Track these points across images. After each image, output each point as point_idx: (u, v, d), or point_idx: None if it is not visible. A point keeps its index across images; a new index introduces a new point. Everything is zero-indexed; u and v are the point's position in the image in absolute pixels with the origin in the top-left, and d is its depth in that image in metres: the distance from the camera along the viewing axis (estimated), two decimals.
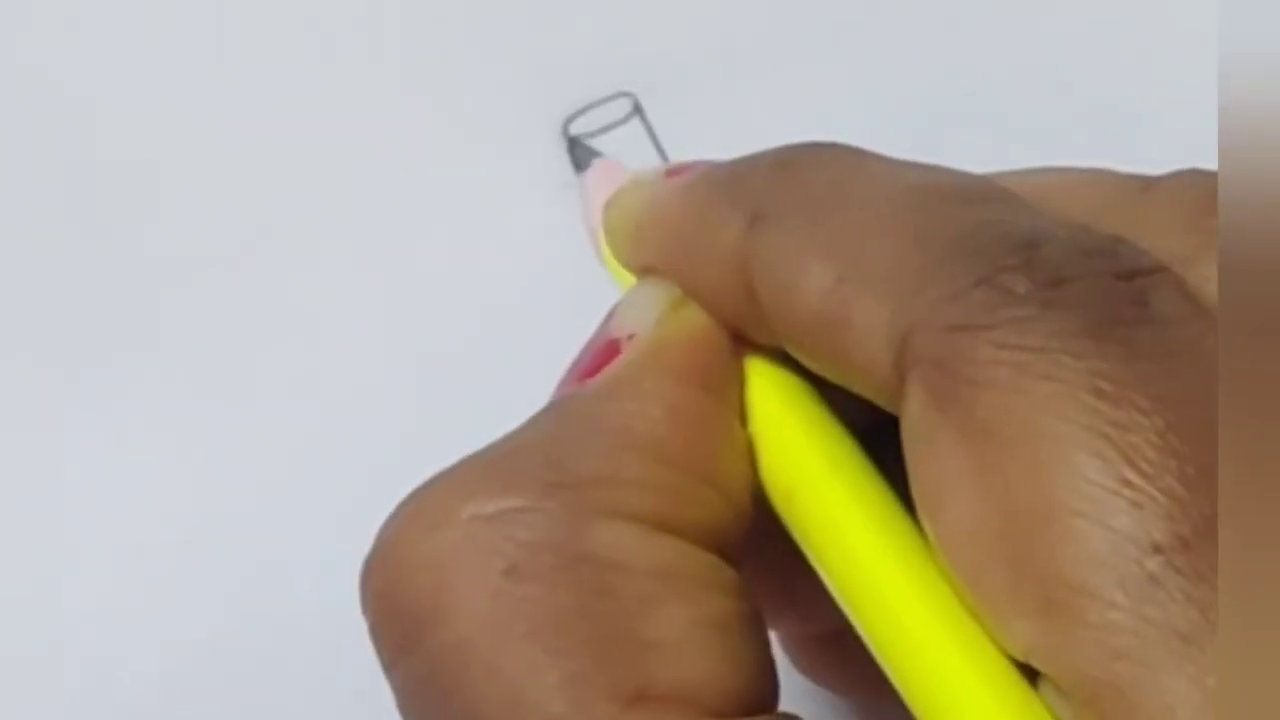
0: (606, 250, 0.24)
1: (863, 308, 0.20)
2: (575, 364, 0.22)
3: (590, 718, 0.19)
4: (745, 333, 0.22)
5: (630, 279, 0.24)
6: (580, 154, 0.26)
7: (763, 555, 0.21)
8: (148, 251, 0.36)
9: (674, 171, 0.24)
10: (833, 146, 0.22)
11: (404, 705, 0.21)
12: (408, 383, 0.35)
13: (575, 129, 0.36)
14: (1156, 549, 0.17)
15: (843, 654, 0.24)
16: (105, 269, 0.36)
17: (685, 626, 0.20)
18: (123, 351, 0.35)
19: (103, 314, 0.35)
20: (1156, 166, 0.23)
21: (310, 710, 0.33)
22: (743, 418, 0.22)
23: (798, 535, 0.21)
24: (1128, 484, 0.17)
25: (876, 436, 0.21)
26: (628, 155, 0.36)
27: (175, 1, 0.37)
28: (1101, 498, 0.17)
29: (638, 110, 0.36)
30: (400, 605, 0.20)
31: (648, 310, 0.22)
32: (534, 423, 0.22)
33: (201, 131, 0.37)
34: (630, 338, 0.22)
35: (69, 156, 0.37)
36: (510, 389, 0.35)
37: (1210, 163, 0.21)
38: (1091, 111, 0.37)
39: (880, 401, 0.20)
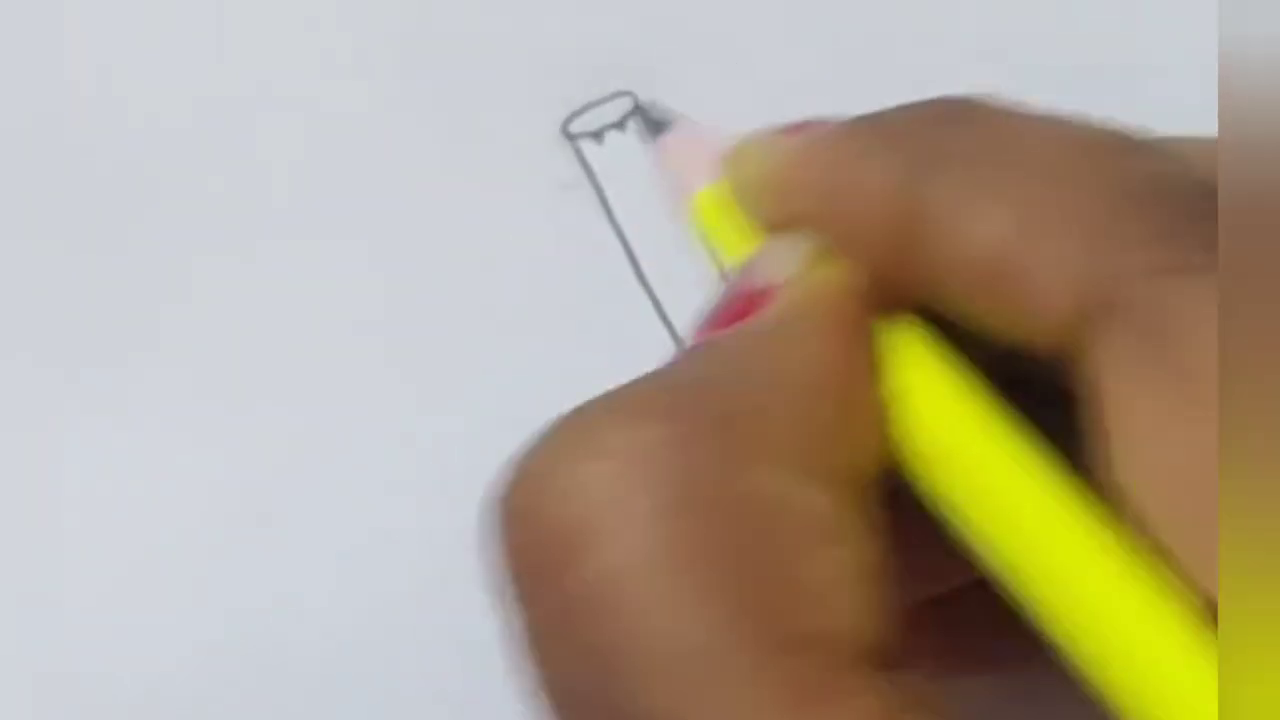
0: (706, 214, 0.24)
1: (1046, 253, 0.19)
2: (714, 310, 0.22)
3: (743, 657, 0.18)
4: (893, 283, 0.21)
5: (736, 240, 0.23)
6: (652, 121, 0.26)
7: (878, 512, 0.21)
8: (149, 251, 0.36)
9: (792, 129, 0.23)
10: (989, 98, 0.22)
11: (537, 639, 0.20)
12: (408, 382, 0.35)
13: (575, 129, 0.36)
14: None
15: (935, 623, 0.23)
16: (106, 268, 0.36)
17: (836, 570, 0.19)
18: (123, 352, 0.35)
19: (103, 314, 0.35)
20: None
21: (310, 711, 0.33)
22: (881, 373, 0.21)
23: (940, 493, 0.21)
24: None
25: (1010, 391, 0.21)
26: (627, 155, 0.36)
27: (177, 1, 0.37)
28: None
29: (638, 110, 0.36)
30: (547, 530, 0.19)
31: (793, 260, 0.22)
32: (686, 361, 0.21)
33: (202, 132, 0.37)
34: (776, 287, 0.22)
35: (69, 156, 0.36)
36: (511, 388, 0.35)
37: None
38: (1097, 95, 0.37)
39: (1048, 349, 0.19)
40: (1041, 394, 0.20)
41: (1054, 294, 0.19)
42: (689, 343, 0.22)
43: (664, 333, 0.35)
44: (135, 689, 0.33)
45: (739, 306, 0.22)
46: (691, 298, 0.36)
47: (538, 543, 0.20)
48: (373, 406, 0.35)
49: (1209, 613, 0.18)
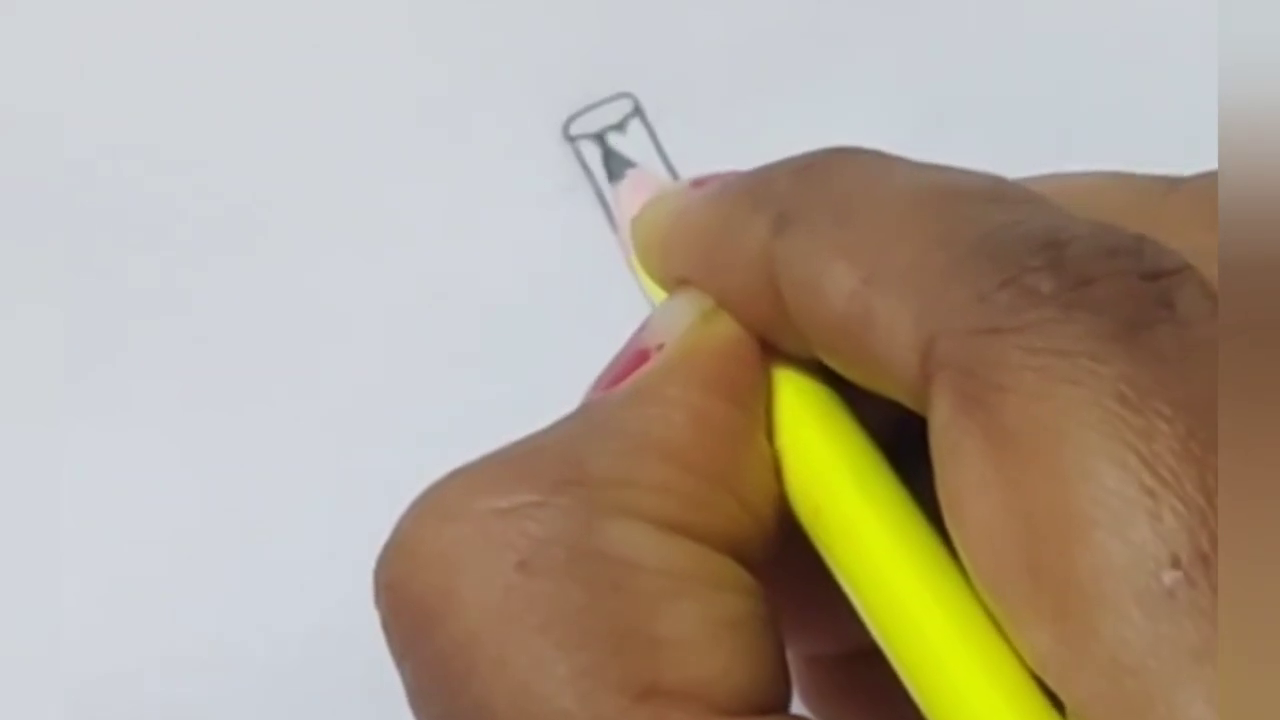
0: (638, 263, 0.24)
1: (888, 310, 0.20)
2: (604, 373, 0.23)
3: (599, 711, 0.19)
4: (774, 340, 0.22)
5: (661, 293, 0.24)
6: (614, 164, 0.26)
7: (785, 569, 0.21)
8: (150, 251, 0.36)
9: (699, 182, 0.24)
10: (855, 150, 0.22)
11: (415, 699, 0.21)
12: (408, 383, 0.35)
13: (575, 129, 0.36)
14: (1174, 562, 0.17)
15: (855, 679, 0.24)
16: (108, 267, 0.36)
17: (696, 624, 0.20)
18: (123, 352, 0.35)
19: (104, 313, 0.35)
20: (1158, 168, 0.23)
21: (310, 711, 0.33)
22: (770, 430, 0.22)
23: (823, 550, 0.21)
24: (1149, 493, 0.17)
25: (904, 439, 0.21)
26: (628, 155, 0.36)
27: (178, 5, 0.37)
28: (1121, 508, 0.17)
29: (638, 110, 0.36)
30: (411, 598, 0.20)
31: (678, 320, 0.22)
32: (556, 424, 0.22)
33: (200, 135, 0.37)
34: (660, 347, 0.22)
35: (69, 155, 0.37)
36: (512, 388, 0.35)
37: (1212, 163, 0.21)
38: (1092, 117, 0.37)
39: (908, 403, 0.20)
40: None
41: (898, 350, 0.20)
42: (582, 402, 0.23)
43: None
44: (135, 687, 0.33)
45: (622, 369, 0.22)
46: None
47: (406, 610, 0.20)
48: (373, 406, 0.35)
49: (1027, 667, 0.18)
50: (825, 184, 0.21)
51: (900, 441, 0.21)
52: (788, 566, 0.21)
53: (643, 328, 0.23)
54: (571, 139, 0.36)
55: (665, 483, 0.20)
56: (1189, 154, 0.24)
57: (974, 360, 0.18)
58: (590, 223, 0.36)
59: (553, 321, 0.35)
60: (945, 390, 0.19)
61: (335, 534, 0.34)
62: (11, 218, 0.36)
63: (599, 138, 0.36)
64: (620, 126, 0.36)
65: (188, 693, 0.33)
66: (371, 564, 0.33)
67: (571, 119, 0.36)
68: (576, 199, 0.36)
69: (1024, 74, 0.38)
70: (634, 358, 0.22)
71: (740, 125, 0.37)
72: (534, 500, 0.20)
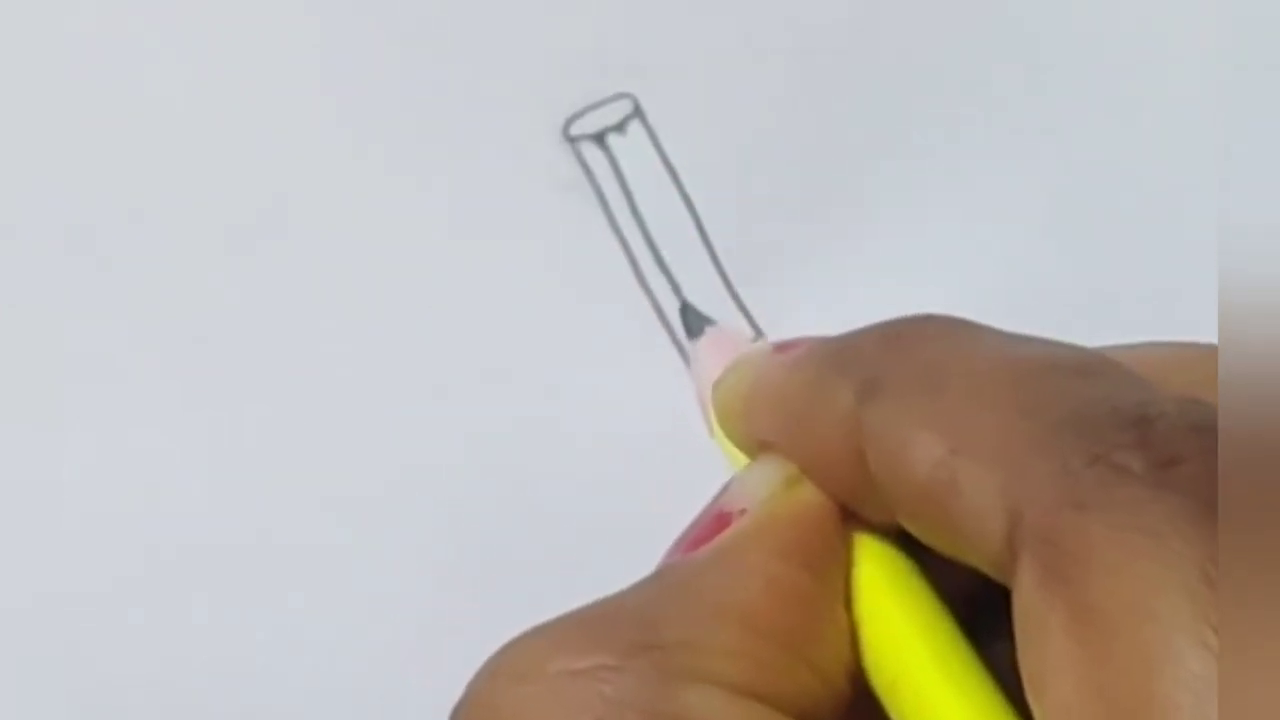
0: (718, 428, 0.25)
1: (974, 481, 0.20)
2: (684, 534, 0.23)
3: None
4: (855, 506, 0.22)
5: (741, 457, 0.24)
6: (692, 320, 0.27)
7: None
8: (148, 251, 0.36)
9: (781, 347, 0.24)
10: (942, 318, 0.22)
11: None
12: (407, 383, 0.35)
13: (575, 129, 0.36)
14: None
15: None
16: (108, 266, 0.36)
17: None
18: (124, 351, 0.35)
19: (105, 313, 0.35)
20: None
21: (310, 711, 0.33)
22: (848, 599, 0.22)
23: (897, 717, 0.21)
24: None
25: (982, 606, 0.21)
26: (628, 155, 0.36)
27: (179, 5, 0.37)
28: (1205, 692, 0.17)
29: (638, 110, 0.36)
30: None
31: (760, 486, 0.23)
32: (634, 586, 0.22)
33: (200, 134, 0.37)
34: (741, 512, 0.22)
35: (69, 154, 0.37)
36: (511, 387, 0.35)
37: None
38: (1080, 95, 0.37)
39: (991, 573, 0.20)
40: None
41: (983, 522, 0.20)
42: (660, 563, 0.23)
43: (664, 333, 0.35)
44: (135, 688, 0.33)
45: (703, 532, 0.23)
46: (691, 298, 0.36)
47: None
48: (372, 406, 0.35)
49: None
50: (913, 351, 0.22)
51: (977, 609, 0.21)
52: None
53: (724, 490, 0.23)
54: (571, 139, 0.36)
55: (740, 648, 0.21)
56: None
57: (1060, 535, 0.19)
58: (590, 223, 0.36)
59: (552, 320, 0.35)
60: (1031, 564, 0.19)
61: (335, 534, 0.34)
62: (12, 217, 0.36)
63: (599, 138, 0.36)
64: (620, 126, 0.36)
65: (187, 692, 0.33)
66: (371, 564, 0.34)
67: (571, 119, 0.36)
68: (576, 199, 0.36)
69: (1016, 70, 0.38)
70: (714, 521, 0.23)
71: (740, 125, 0.37)
72: (608, 663, 0.20)
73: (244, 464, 0.34)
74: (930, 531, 0.21)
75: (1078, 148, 0.37)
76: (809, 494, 0.22)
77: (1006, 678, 0.20)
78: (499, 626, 0.34)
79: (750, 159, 0.37)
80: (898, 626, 0.21)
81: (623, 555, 0.34)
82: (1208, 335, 0.22)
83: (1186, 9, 0.37)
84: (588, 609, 0.22)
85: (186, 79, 0.37)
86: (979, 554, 0.20)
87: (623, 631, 0.21)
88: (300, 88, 0.37)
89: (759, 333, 0.35)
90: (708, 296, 0.36)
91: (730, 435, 0.24)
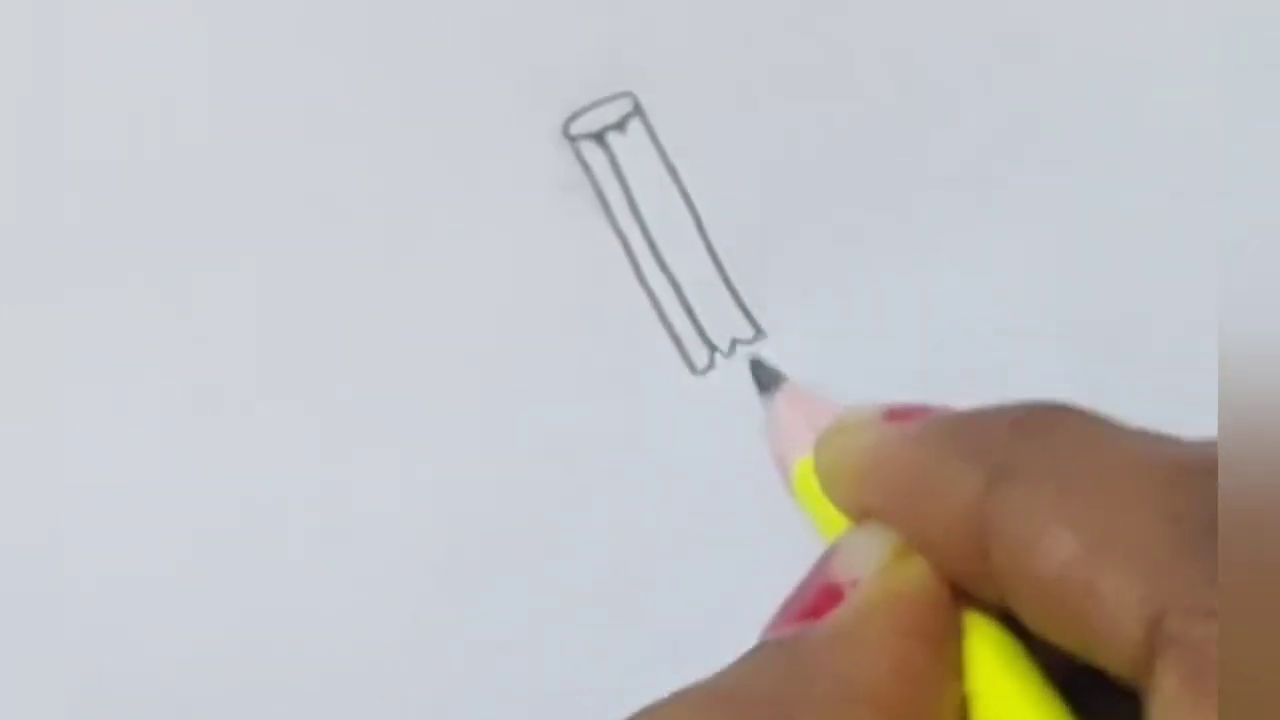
0: (805, 485, 0.24)
1: (1112, 581, 0.20)
2: (790, 602, 0.23)
3: None
4: (968, 588, 0.22)
5: (830, 515, 0.24)
6: (764, 376, 0.26)
7: None
8: (148, 251, 0.36)
9: (895, 415, 0.24)
10: (1073, 409, 0.22)
11: None
12: (408, 382, 0.35)
13: (575, 129, 0.36)
14: None
15: None
16: (109, 266, 0.36)
17: None
18: (124, 352, 0.35)
19: (106, 313, 0.35)
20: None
21: (306, 710, 0.33)
22: (959, 674, 0.22)
23: None
24: None
25: (1081, 689, 0.21)
26: (628, 155, 0.36)
27: (180, 5, 0.37)
28: None
29: (638, 110, 0.36)
30: None
31: (870, 556, 0.22)
32: (757, 658, 0.22)
33: (200, 134, 0.37)
34: (852, 583, 0.22)
35: (70, 154, 0.36)
36: (511, 387, 0.35)
37: None
38: (1081, 97, 0.37)
39: (1120, 673, 0.20)
40: (1120, 692, 0.21)
41: (1120, 622, 0.20)
42: (765, 634, 0.23)
43: (664, 333, 0.35)
44: (136, 688, 0.33)
45: (813, 602, 0.22)
46: (691, 298, 0.36)
47: None
48: (372, 405, 0.35)
49: None
50: (1045, 440, 0.21)
51: (1076, 693, 0.21)
52: None
53: (828, 558, 0.23)
54: (571, 139, 0.36)
55: None
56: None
57: (1204, 640, 0.19)
58: (590, 223, 0.36)
59: (551, 319, 0.35)
60: (1174, 667, 0.19)
61: (336, 534, 0.34)
62: (12, 217, 0.36)
63: (599, 138, 0.36)
64: (620, 126, 0.36)
65: (188, 692, 0.33)
66: (371, 564, 0.34)
67: (571, 119, 0.36)
68: (576, 199, 0.36)
69: (1029, 74, 0.38)
70: (823, 591, 0.22)
71: (740, 125, 0.37)
72: None
73: (244, 464, 0.34)
74: (1055, 626, 0.21)
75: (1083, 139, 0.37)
76: (922, 567, 0.22)
77: None
78: (498, 625, 0.34)
79: (750, 159, 0.37)
80: (1013, 705, 0.21)
81: (621, 554, 0.35)
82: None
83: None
84: (716, 685, 0.21)
85: (187, 79, 0.37)
86: (1109, 654, 0.20)
87: (757, 712, 0.21)
88: (300, 88, 0.37)
89: (759, 332, 0.35)
90: (708, 296, 0.36)
91: (833, 497, 0.24)
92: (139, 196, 0.36)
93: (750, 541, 0.33)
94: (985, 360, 0.35)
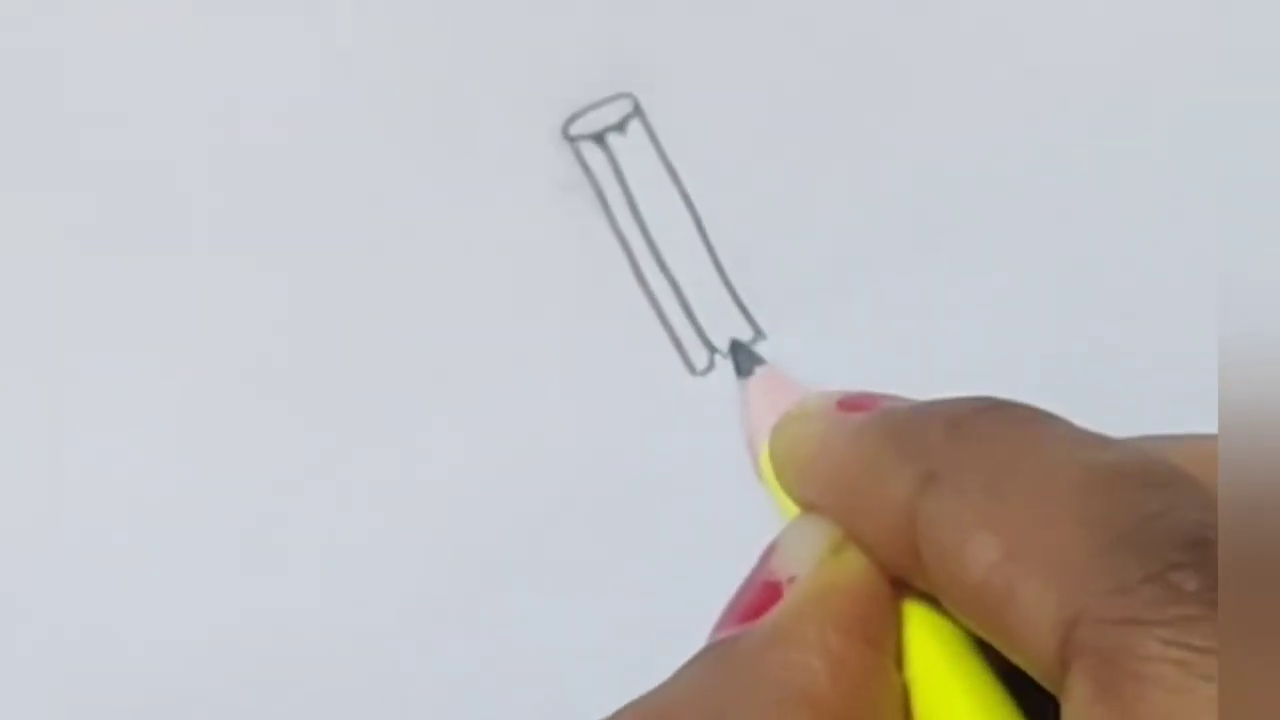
0: (767, 469, 0.24)
1: (1029, 588, 0.20)
2: (733, 603, 0.23)
3: None
4: (905, 579, 0.22)
5: (790, 504, 0.24)
6: (742, 359, 0.26)
7: None
8: (148, 252, 0.36)
9: (847, 404, 0.24)
10: (1010, 407, 0.22)
11: None
12: (408, 381, 0.35)
13: (575, 129, 0.36)
14: None
15: None
16: (110, 266, 0.36)
17: None
18: (125, 351, 0.35)
19: (106, 313, 0.35)
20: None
21: (311, 712, 0.33)
22: (899, 663, 0.22)
23: None
24: None
25: (1031, 685, 0.21)
26: (628, 155, 0.36)
27: (180, 6, 0.37)
28: None
29: (638, 110, 0.36)
30: None
31: (808, 552, 0.23)
32: (696, 667, 0.22)
33: (201, 133, 0.37)
34: (790, 580, 0.22)
35: (71, 155, 0.37)
36: (511, 387, 0.35)
37: None
38: (1083, 84, 0.37)
39: (1040, 679, 0.20)
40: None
41: (1035, 628, 0.20)
42: (711, 636, 0.23)
43: (663, 334, 0.35)
44: (135, 690, 0.33)
45: (754, 601, 0.22)
46: (691, 299, 0.36)
47: None
48: (372, 405, 0.35)
49: None
50: (977, 444, 0.22)
51: (1020, 688, 0.21)
52: None
53: (769, 556, 0.23)
54: (571, 139, 0.36)
55: None
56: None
57: (1114, 649, 0.19)
58: (590, 223, 0.36)
59: (550, 320, 0.35)
60: (1083, 675, 0.19)
61: (335, 535, 0.34)
62: (13, 218, 0.36)
63: (599, 138, 0.36)
64: (620, 126, 0.36)
65: (187, 693, 0.33)
66: (371, 566, 0.34)
67: (571, 119, 0.36)
68: (576, 199, 0.36)
69: (1028, 76, 0.38)
70: (763, 590, 0.22)
71: (740, 125, 0.37)
72: None
73: (244, 464, 0.34)
74: (982, 629, 0.21)
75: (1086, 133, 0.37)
76: (859, 561, 0.22)
77: None
78: (497, 625, 0.34)
79: (750, 159, 0.37)
80: (952, 693, 0.22)
81: (621, 555, 0.35)
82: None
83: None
84: (656, 699, 0.21)
85: (186, 79, 0.37)
86: (1029, 659, 0.20)
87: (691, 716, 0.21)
88: (300, 88, 0.37)
89: (759, 332, 0.35)
90: (708, 297, 0.36)
91: (783, 485, 0.24)
92: (138, 197, 0.36)
93: (750, 542, 0.33)
94: (984, 360, 0.35)
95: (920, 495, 0.21)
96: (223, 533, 0.34)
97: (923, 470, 0.21)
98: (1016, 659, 0.20)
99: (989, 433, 0.22)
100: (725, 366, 0.35)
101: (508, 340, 0.35)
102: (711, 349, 0.35)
